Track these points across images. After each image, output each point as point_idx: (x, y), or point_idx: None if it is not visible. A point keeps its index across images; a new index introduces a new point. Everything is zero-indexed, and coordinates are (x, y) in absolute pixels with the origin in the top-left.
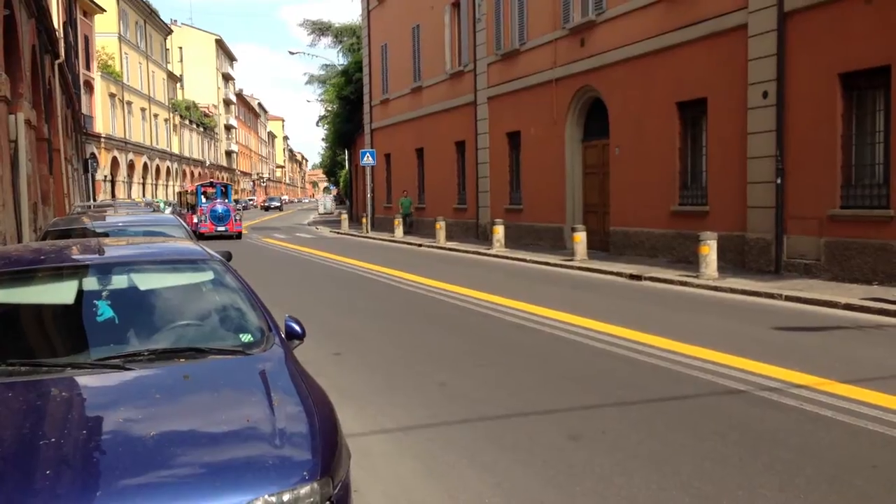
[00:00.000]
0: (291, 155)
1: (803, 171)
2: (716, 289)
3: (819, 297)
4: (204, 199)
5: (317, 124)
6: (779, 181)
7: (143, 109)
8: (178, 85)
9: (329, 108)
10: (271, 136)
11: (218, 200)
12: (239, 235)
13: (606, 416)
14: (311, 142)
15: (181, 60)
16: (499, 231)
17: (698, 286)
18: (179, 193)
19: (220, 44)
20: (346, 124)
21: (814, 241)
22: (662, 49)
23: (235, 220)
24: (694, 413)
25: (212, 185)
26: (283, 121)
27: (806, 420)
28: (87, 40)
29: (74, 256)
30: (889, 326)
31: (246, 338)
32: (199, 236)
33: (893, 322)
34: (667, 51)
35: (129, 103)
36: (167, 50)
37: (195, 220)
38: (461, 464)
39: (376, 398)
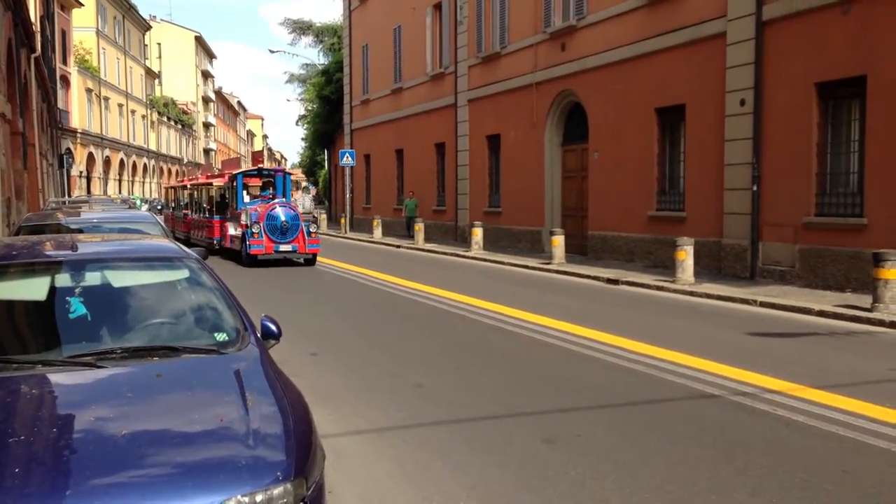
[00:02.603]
0: (271, 154)
1: (779, 178)
2: (691, 294)
3: (793, 304)
4: (246, 197)
5: (296, 123)
6: (755, 188)
7: (120, 105)
8: (157, 81)
9: (309, 108)
10: (250, 134)
11: (278, 200)
12: (313, 260)
13: (581, 419)
14: (291, 141)
15: (160, 57)
16: (477, 233)
17: (674, 291)
18: (172, 188)
19: (199, 41)
20: (325, 124)
21: (789, 248)
22: (642, 55)
23: (309, 232)
24: (668, 417)
25: (261, 172)
26: (262, 119)
27: (778, 425)
28: (64, 34)
29: (47, 252)
30: (861, 333)
31: (221, 337)
32: (249, 260)
33: (865, 329)
34: (646, 57)
35: (107, 99)
36: (146, 46)
37: (231, 232)
38: (436, 465)
39: (352, 399)
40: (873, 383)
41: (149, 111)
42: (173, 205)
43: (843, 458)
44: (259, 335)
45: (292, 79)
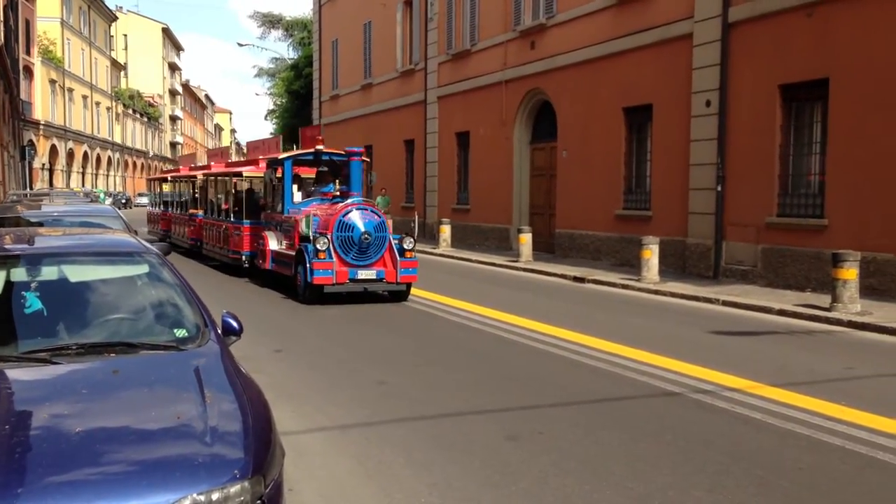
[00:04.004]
0: (238, 148)
1: (743, 179)
2: (656, 292)
3: (754, 303)
4: (297, 193)
5: (265, 118)
6: (719, 188)
7: (84, 97)
8: (122, 73)
9: (278, 103)
10: (218, 128)
11: (353, 200)
12: (406, 292)
13: (544, 416)
14: (259, 135)
15: (126, 48)
16: (445, 230)
17: (640, 289)
18: (163, 180)
19: (166, 32)
20: (295, 119)
21: (751, 248)
22: (611, 55)
23: (401, 249)
24: (630, 414)
25: (318, 157)
26: (230, 113)
27: (737, 422)
28: (28, 24)
29: (4, 246)
30: (819, 332)
31: (180, 333)
32: (311, 294)
33: (824, 328)
34: (615, 56)
35: (71, 90)
36: (111, 37)
37: (273, 246)
38: (398, 463)
39: (315, 396)
40: (830, 382)
41: (114, 103)
42: (166, 202)
43: (799, 456)
44: (220, 331)
45: (261, 73)
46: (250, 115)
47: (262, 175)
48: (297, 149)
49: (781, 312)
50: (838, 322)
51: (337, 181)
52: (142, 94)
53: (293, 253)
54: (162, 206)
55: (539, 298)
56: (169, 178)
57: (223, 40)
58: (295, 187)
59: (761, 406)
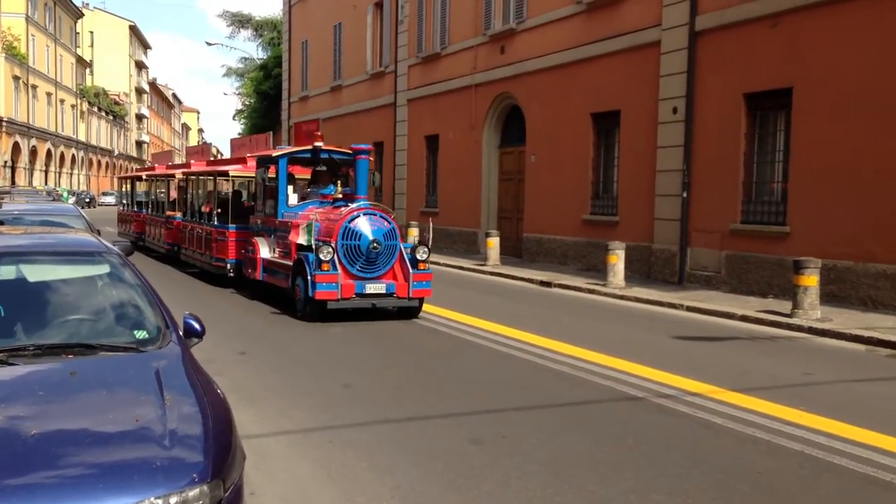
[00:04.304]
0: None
1: (708, 186)
2: (622, 297)
3: (717, 309)
4: (292, 195)
5: (233, 118)
6: (685, 195)
7: (48, 94)
8: (88, 70)
9: (246, 103)
10: (185, 127)
11: (359, 205)
12: (418, 308)
13: (508, 419)
14: (227, 135)
15: (92, 45)
16: (413, 233)
17: (605, 294)
18: (136, 179)
19: (133, 30)
20: (263, 119)
21: (715, 254)
22: (580, 60)
23: (414, 260)
24: (593, 418)
25: (316, 155)
26: (198, 113)
27: (698, 427)
28: None
29: None
30: (780, 338)
31: (141, 334)
32: (313, 310)
33: (785, 334)
34: (584, 62)
35: (35, 87)
36: (77, 34)
37: (265, 254)
38: (361, 466)
39: (278, 399)
40: (790, 387)
41: (79, 101)
42: (140, 202)
43: (758, 460)
44: (181, 333)
45: (230, 72)
46: (218, 115)
47: (249, 175)
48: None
49: (744, 318)
50: (799, 328)
51: (339, 182)
52: (107, 91)
53: (289, 263)
54: (135, 206)
55: (505, 302)
56: (143, 177)
57: (191, 39)
58: (290, 188)
59: (722, 411)
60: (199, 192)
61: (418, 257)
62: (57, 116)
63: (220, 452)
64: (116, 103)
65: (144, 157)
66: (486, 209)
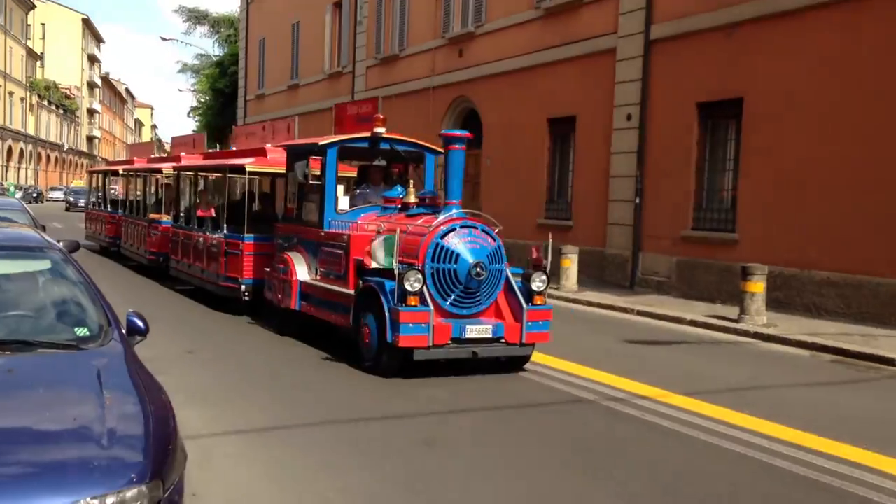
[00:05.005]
0: (160, 145)
1: (660, 192)
2: (575, 301)
3: (668, 313)
4: (343, 199)
5: (188, 115)
6: (637, 201)
7: None
8: (39, 63)
9: (202, 100)
10: (138, 123)
11: (451, 214)
12: (528, 355)
13: (459, 421)
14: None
15: (43, 38)
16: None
17: (559, 298)
18: (102, 173)
19: (87, 23)
20: (218, 117)
21: (666, 260)
22: (537, 65)
23: (527, 291)
24: (542, 421)
25: (374, 145)
26: (151, 109)
27: (646, 430)
28: None
29: None
30: (727, 343)
31: (82, 332)
32: (390, 360)
33: (732, 339)
34: (541, 67)
35: None
36: (29, 26)
37: (301, 275)
38: (310, 466)
39: (226, 398)
40: (735, 391)
41: (28, 94)
42: (115, 201)
43: (704, 463)
44: (124, 331)
45: (185, 69)
46: (173, 112)
47: (271, 171)
48: (218, 146)
49: (693, 323)
50: (745, 333)
51: (410, 182)
52: (58, 85)
53: (347, 291)
54: (108, 205)
55: None
56: (121, 172)
57: (146, 34)
58: (340, 189)
59: (669, 414)
60: (201, 191)
61: (534, 288)
62: (5, 109)
63: (160, 452)
64: (67, 97)
65: (95, 153)
66: None
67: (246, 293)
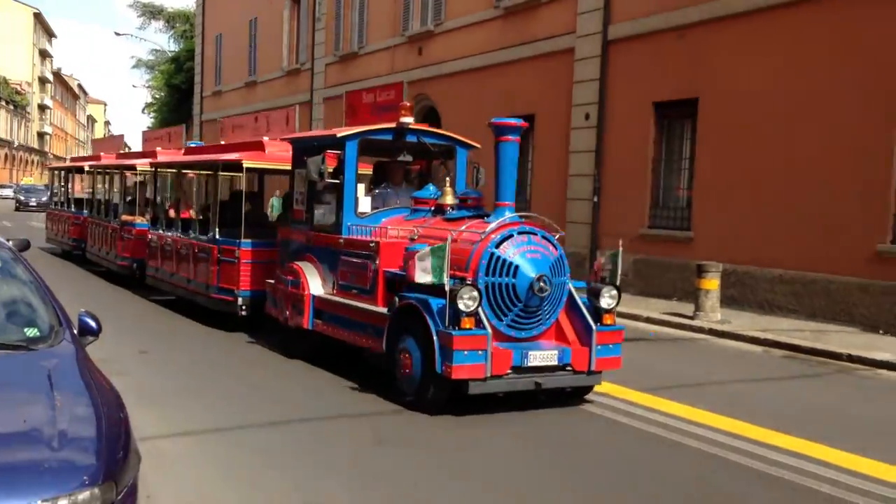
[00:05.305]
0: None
1: (618, 190)
2: None
3: (625, 311)
4: (363, 200)
5: (142, 111)
6: (595, 199)
7: None
8: None
9: (157, 96)
10: (91, 119)
11: (510, 218)
12: (597, 382)
13: (414, 421)
14: (136, 129)
15: None
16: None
17: None
18: (65, 170)
19: (38, 17)
20: (174, 114)
21: (624, 258)
22: (496, 64)
23: (595, 310)
24: (495, 419)
25: (400, 137)
26: (104, 105)
27: (602, 426)
28: None
29: None
30: (683, 339)
31: (32, 332)
32: (437, 392)
33: (687, 335)
34: (500, 66)
35: None
36: None
37: (319, 290)
38: (263, 466)
39: (181, 399)
40: (691, 386)
41: None
42: (80, 200)
43: (659, 457)
44: (76, 331)
45: (139, 64)
46: (127, 108)
47: (258, 169)
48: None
49: (649, 320)
50: (700, 329)
51: (448, 180)
52: (8, 80)
53: (378, 309)
54: (72, 205)
55: None
56: (86, 168)
57: (100, 29)
58: (361, 188)
59: (626, 410)
60: (188, 190)
61: (603, 305)
62: None
63: (112, 454)
64: (18, 93)
65: (47, 150)
66: None
67: (243, 307)
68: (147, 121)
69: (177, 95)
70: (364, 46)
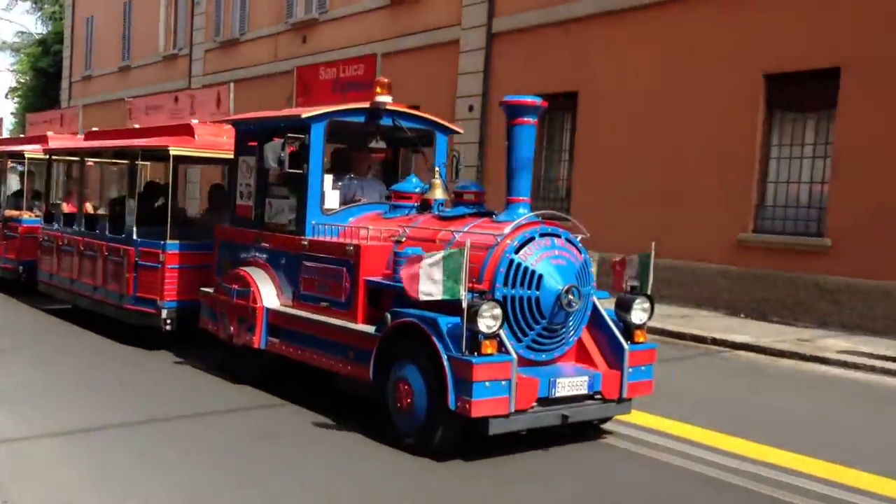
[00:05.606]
0: None
1: (500, 181)
2: None
3: None
4: (331, 194)
5: (6, 97)
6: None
7: None
8: None
9: (22, 80)
10: None
11: (528, 217)
12: (626, 411)
13: (298, 415)
14: None
15: None
16: None
17: None
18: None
19: None
20: (40, 99)
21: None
22: (382, 54)
23: (634, 322)
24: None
25: (373, 118)
26: None
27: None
28: None
29: None
30: None
31: None
32: (446, 429)
33: None
34: (386, 56)
35: None
36: None
37: (274, 303)
38: (133, 466)
39: (44, 399)
40: None
41: None
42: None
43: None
44: None
45: (3, 46)
46: None
47: (188, 158)
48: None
49: None
50: None
51: (437, 171)
52: None
53: (356, 327)
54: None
55: None
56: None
57: None
58: (328, 180)
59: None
60: (107, 181)
61: (635, 321)
62: None
63: None
64: None
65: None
66: None
67: (168, 321)
68: (11, 106)
69: (44, 79)
70: (246, 33)
